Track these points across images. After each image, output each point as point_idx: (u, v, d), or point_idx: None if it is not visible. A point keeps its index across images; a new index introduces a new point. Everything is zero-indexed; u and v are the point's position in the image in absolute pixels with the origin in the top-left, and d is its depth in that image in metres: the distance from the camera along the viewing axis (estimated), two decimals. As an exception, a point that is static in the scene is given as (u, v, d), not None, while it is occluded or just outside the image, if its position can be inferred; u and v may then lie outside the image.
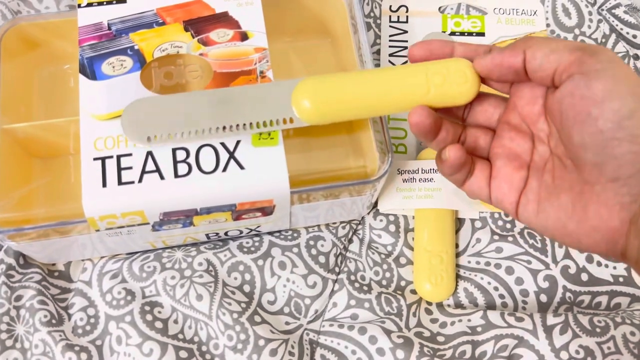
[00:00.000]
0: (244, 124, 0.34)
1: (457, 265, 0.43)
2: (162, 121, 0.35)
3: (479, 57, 0.31)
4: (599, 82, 0.26)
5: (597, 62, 0.27)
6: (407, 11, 0.51)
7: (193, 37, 0.39)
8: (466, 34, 0.50)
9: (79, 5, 0.40)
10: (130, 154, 0.35)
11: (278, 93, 0.35)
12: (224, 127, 0.35)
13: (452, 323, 0.41)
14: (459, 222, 0.44)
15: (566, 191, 0.29)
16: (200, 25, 0.39)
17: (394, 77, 0.33)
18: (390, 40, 0.50)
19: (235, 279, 0.41)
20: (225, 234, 0.41)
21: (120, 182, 0.34)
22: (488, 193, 0.33)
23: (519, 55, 0.30)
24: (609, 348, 0.38)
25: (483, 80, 0.33)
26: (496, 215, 0.44)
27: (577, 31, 0.50)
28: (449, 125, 0.34)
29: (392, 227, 0.44)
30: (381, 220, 0.44)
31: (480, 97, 0.34)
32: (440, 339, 0.40)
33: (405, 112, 0.33)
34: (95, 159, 0.35)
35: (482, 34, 0.50)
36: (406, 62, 0.49)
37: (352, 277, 0.42)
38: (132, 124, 0.35)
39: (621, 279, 0.42)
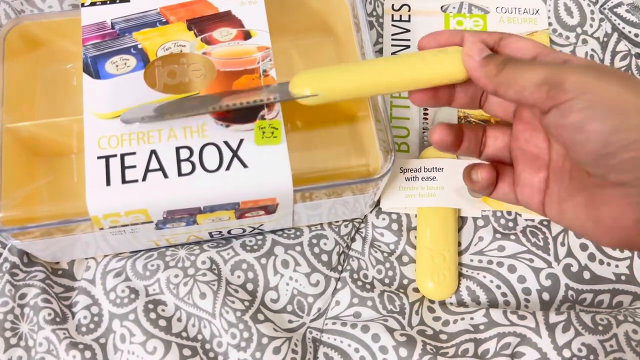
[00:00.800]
0: (241, 102, 0.35)
1: (460, 264, 0.43)
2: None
3: (467, 57, 0.31)
4: (573, 112, 0.26)
5: (565, 93, 0.26)
6: (409, 10, 0.51)
7: (196, 36, 0.39)
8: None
9: (83, 5, 0.40)
10: (134, 153, 0.35)
11: (275, 85, 0.35)
12: (220, 106, 0.35)
13: (455, 321, 0.41)
14: (461, 221, 0.44)
15: (581, 192, 0.29)
16: (203, 24, 0.39)
17: (392, 60, 0.33)
18: (392, 39, 0.50)
19: (239, 277, 0.41)
20: (229, 232, 0.41)
21: (124, 181, 0.34)
22: (514, 198, 0.33)
23: (491, 88, 0.30)
24: (611, 346, 0.38)
25: None
26: (498, 214, 0.44)
27: (579, 30, 0.50)
28: (470, 133, 0.34)
29: (394, 226, 0.44)
30: (384, 219, 0.44)
31: None
32: (443, 337, 0.40)
33: (404, 91, 0.33)
34: (99, 157, 0.35)
35: (484, 33, 0.50)
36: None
37: (355, 276, 0.42)
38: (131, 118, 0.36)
39: (623, 277, 0.42)
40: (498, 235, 0.43)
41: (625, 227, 0.27)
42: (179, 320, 0.40)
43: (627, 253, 0.43)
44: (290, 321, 0.41)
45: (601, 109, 0.26)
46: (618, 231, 0.28)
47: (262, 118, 0.36)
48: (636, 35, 0.50)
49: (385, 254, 0.43)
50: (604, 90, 0.26)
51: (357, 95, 0.34)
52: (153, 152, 0.35)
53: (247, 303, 0.40)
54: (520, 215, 0.44)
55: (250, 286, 0.41)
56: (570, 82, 0.26)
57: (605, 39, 0.50)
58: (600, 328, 0.38)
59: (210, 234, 0.41)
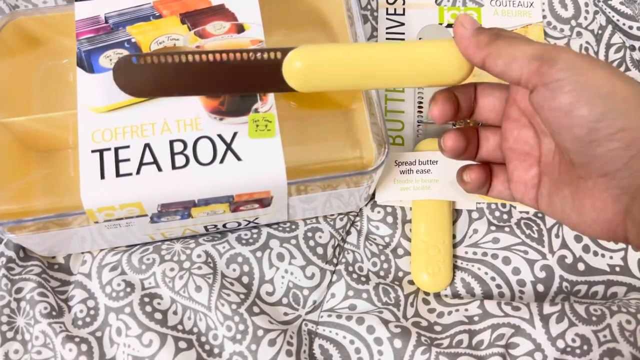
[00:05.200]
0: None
1: (454, 256, 0.43)
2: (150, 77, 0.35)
3: (459, 26, 0.31)
4: (562, 93, 0.26)
5: (557, 72, 0.26)
6: (403, 3, 0.51)
7: (190, 30, 0.39)
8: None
9: (76, -1, 0.40)
10: (128, 146, 0.35)
11: (268, 64, 0.34)
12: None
13: (450, 313, 0.41)
14: (456, 213, 0.44)
15: (567, 184, 0.30)
16: (196, 17, 0.39)
17: (390, 50, 0.33)
18: (387, 33, 0.50)
19: (234, 270, 0.41)
20: (224, 226, 0.41)
21: (118, 174, 0.35)
22: (510, 194, 0.34)
23: (480, 58, 0.30)
24: (605, 336, 0.38)
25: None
26: (493, 206, 0.45)
27: (573, 22, 0.50)
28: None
29: (389, 219, 0.44)
30: (379, 212, 0.44)
31: (483, 92, 0.34)
32: (438, 328, 0.40)
33: (399, 88, 0.33)
34: (93, 151, 0.35)
35: (478, 26, 0.50)
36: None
37: (350, 268, 0.42)
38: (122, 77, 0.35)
39: (617, 269, 0.42)
40: (492, 228, 0.44)
41: (608, 219, 0.28)
42: (175, 313, 0.40)
43: (621, 244, 0.43)
44: (285, 314, 0.41)
45: (591, 92, 0.26)
46: (601, 223, 0.28)
47: (256, 111, 0.36)
48: (630, 27, 0.50)
49: (381, 247, 0.44)
50: (594, 72, 0.26)
51: (354, 87, 0.34)
52: (147, 145, 0.35)
53: (242, 296, 0.40)
54: (514, 207, 0.45)
55: (245, 279, 0.41)
56: (564, 60, 0.26)
57: (600, 32, 0.50)
58: (594, 319, 0.39)
59: (205, 227, 0.41)
